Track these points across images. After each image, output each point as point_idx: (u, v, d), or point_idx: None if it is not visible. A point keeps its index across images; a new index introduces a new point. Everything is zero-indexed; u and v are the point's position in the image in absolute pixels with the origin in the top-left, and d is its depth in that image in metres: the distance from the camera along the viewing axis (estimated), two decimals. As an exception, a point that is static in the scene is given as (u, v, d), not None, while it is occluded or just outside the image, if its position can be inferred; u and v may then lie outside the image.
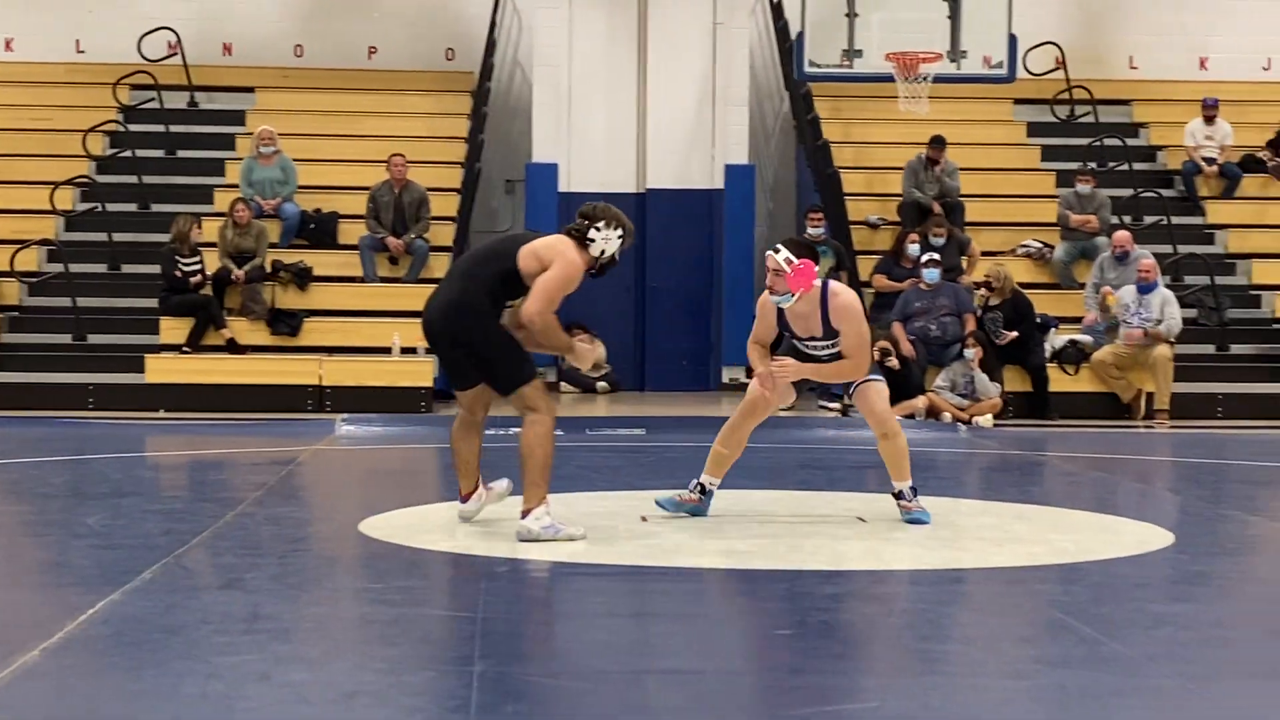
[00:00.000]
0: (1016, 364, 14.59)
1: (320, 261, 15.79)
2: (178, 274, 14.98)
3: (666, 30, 17.59)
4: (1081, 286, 15.59)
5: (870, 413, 7.68)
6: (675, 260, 17.31)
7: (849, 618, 5.77)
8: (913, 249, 15.17)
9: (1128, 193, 16.98)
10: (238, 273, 15.11)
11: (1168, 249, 16.11)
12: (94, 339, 15.11)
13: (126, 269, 16.00)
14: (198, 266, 15.04)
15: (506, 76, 18.89)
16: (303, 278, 15.51)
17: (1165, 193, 17.32)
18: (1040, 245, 16.28)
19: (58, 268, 15.56)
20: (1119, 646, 5.09)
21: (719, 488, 7.87)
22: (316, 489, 9.87)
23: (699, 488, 7.82)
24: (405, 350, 14.59)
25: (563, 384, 16.54)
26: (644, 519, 7.71)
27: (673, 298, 17.47)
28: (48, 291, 15.59)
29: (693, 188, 17.57)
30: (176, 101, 18.11)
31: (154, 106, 17.88)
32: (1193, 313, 15.44)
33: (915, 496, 7.69)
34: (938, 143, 16.36)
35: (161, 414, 14.18)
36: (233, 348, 14.87)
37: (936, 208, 15.96)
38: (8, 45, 18.52)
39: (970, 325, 14.52)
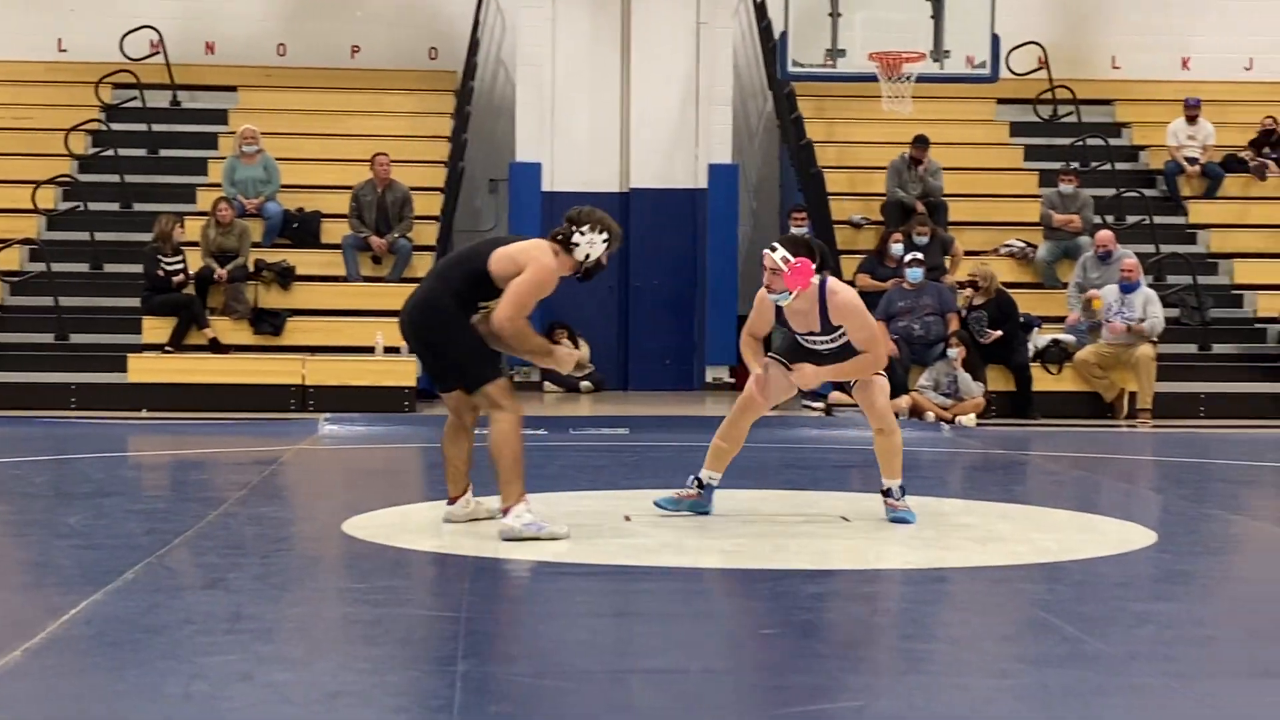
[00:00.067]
0: (1000, 363, 14.62)
1: (303, 261, 15.76)
2: (160, 273, 14.94)
3: (650, 30, 17.59)
4: (1064, 286, 15.62)
5: (870, 407, 7.67)
6: (659, 260, 17.32)
7: (833, 617, 5.77)
8: (896, 248, 15.18)
9: (1110, 192, 17.02)
10: (220, 272, 15.08)
11: (1150, 249, 16.15)
12: (76, 338, 15.07)
13: (109, 268, 15.96)
14: (180, 266, 15.01)
15: (490, 76, 18.87)
16: (285, 277, 15.48)
17: (1148, 192, 17.36)
18: (1023, 245, 16.31)
19: (40, 267, 15.51)
20: (1102, 645, 5.10)
21: (718, 485, 7.84)
22: (299, 489, 9.86)
23: (696, 483, 7.81)
24: (388, 350, 14.57)
25: (546, 383, 16.54)
26: (628, 518, 7.71)
27: (656, 297, 17.48)
28: (30, 291, 15.54)
29: (676, 187, 17.58)
30: (159, 100, 18.07)
31: (136, 105, 17.84)
32: (1175, 312, 15.48)
33: (903, 496, 7.70)
34: (921, 142, 16.38)
35: (144, 413, 14.14)
36: (215, 347, 14.84)
37: (920, 207, 15.98)
38: (-11, 44, 18.48)
39: (953, 325, 14.54)
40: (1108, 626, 5.41)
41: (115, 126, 17.51)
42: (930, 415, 13.93)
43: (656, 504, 7.83)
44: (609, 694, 4.53)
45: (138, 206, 16.57)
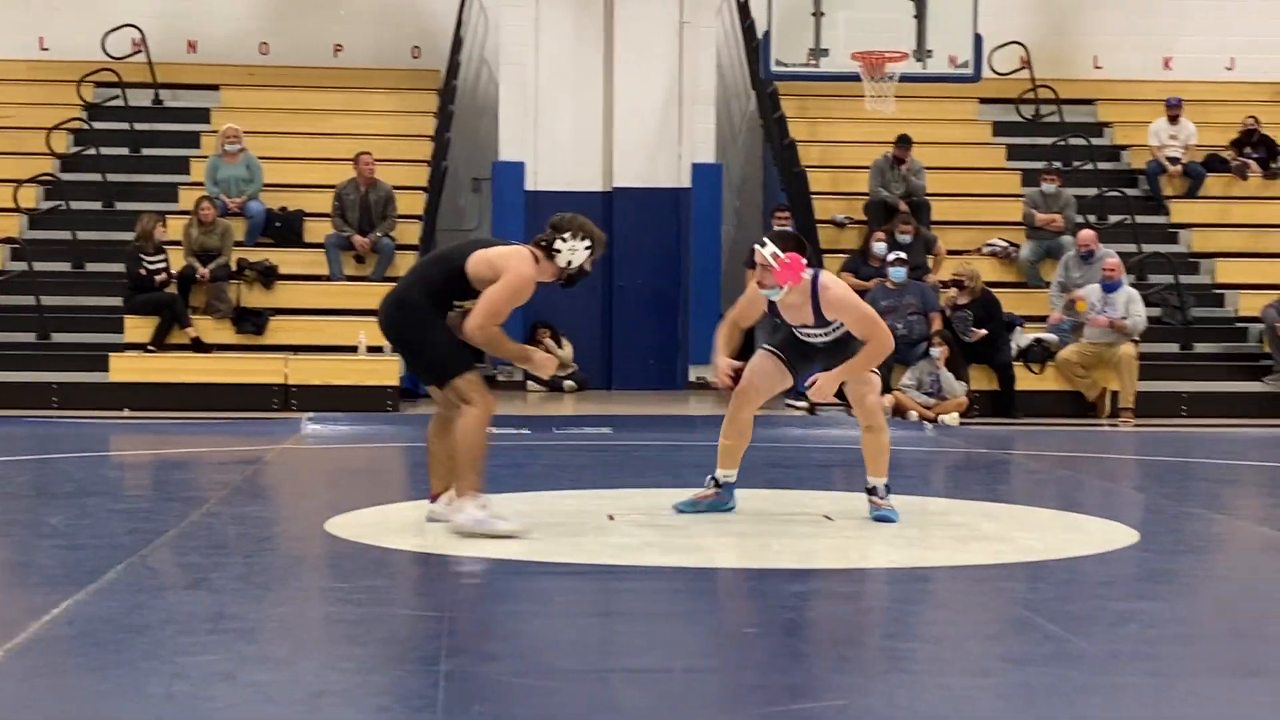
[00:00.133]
0: (984, 363, 14.64)
1: (286, 260, 15.74)
2: (142, 272, 14.91)
3: (633, 29, 17.59)
4: (1047, 285, 15.65)
5: (860, 403, 7.67)
6: (642, 259, 17.31)
7: (816, 616, 5.78)
8: (878, 247, 15.20)
9: (1092, 192, 17.06)
10: (203, 271, 15.05)
11: (1132, 248, 16.19)
12: (58, 338, 15.03)
13: (91, 267, 15.92)
14: (162, 265, 14.98)
15: (473, 75, 18.86)
16: (268, 276, 15.46)
17: (1130, 192, 17.40)
18: (1006, 244, 16.34)
19: (21, 266, 15.47)
20: (1084, 644, 5.11)
21: (724, 485, 7.85)
22: (282, 488, 9.84)
23: (713, 482, 7.83)
24: (371, 349, 14.55)
25: (529, 383, 16.53)
26: (611, 517, 7.71)
27: (640, 296, 17.48)
28: (11, 290, 15.49)
29: (660, 186, 17.58)
30: (141, 99, 18.02)
31: (118, 104, 17.80)
32: (1157, 311, 15.52)
33: (888, 495, 7.70)
34: (903, 142, 16.40)
35: (126, 413, 14.11)
36: (198, 346, 14.81)
37: (903, 206, 16.00)
38: (-29, 42, 18.42)
39: (936, 324, 14.57)
40: (1090, 625, 5.42)
41: (97, 125, 17.47)
42: (913, 414, 13.95)
43: (676, 508, 7.83)
44: (593, 693, 4.53)
45: (120, 205, 16.53)
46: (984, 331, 14.54)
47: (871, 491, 7.71)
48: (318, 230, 16.06)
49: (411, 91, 18.36)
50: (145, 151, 17.41)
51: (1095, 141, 18.06)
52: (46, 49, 18.42)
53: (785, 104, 17.47)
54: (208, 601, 5.66)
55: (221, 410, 13.96)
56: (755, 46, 16.97)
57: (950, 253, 15.86)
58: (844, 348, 7.55)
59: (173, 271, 15.02)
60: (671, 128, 17.62)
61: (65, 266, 15.94)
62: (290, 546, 7.28)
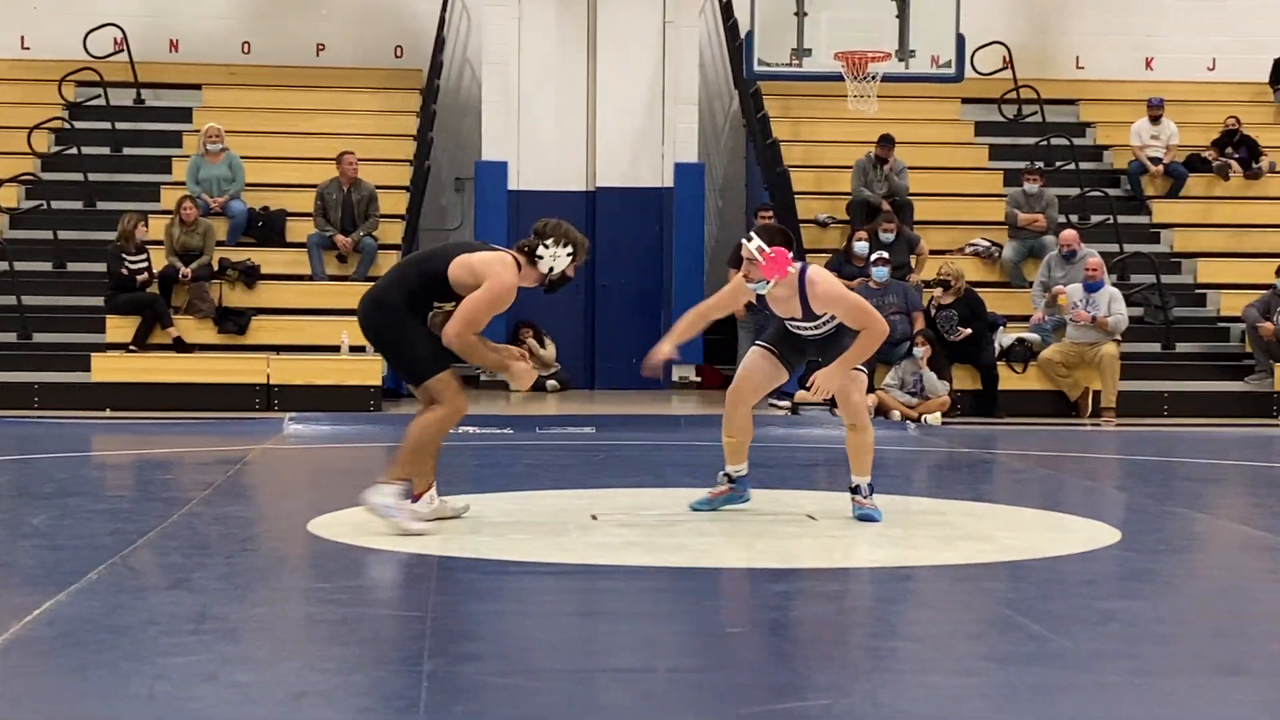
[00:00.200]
0: (968, 362, 14.66)
1: (268, 259, 15.71)
2: (124, 272, 14.87)
3: (616, 28, 17.59)
4: (1029, 285, 15.68)
5: (845, 402, 7.67)
6: (625, 259, 17.31)
7: (799, 615, 5.78)
8: (860, 247, 15.21)
9: (1075, 192, 17.10)
10: (185, 271, 15.02)
11: (1114, 248, 16.22)
12: (39, 338, 14.99)
13: (72, 267, 15.87)
14: (144, 264, 14.94)
15: (456, 74, 18.84)
16: (250, 276, 15.43)
17: (1112, 192, 17.45)
18: (988, 244, 16.37)
19: (2, 266, 15.40)
20: (1067, 643, 5.12)
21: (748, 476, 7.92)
22: (264, 488, 9.82)
23: (726, 478, 7.87)
24: (354, 349, 14.53)
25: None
26: (594, 517, 7.70)
27: (623, 296, 17.47)
28: (-8, 290, 15.45)
29: (643, 186, 17.58)
30: (123, 98, 17.98)
31: (100, 104, 17.75)
32: (1139, 311, 15.55)
33: (871, 494, 7.70)
34: (886, 141, 16.42)
35: (108, 413, 14.07)
36: (180, 346, 14.78)
37: (885, 206, 16.02)
38: (-49, 41, 18.36)
39: (919, 324, 14.58)
40: (1073, 624, 5.43)
41: (79, 124, 17.42)
42: (896, 414, 13.96)
43: (692, 507, 7.86)
44: (576, 693, 4.52)
45: (101, 205, 16.49)
46: (969, 331, 14.56)
47: (855, 490, 7.71)
48: (300, 230, 16.04)
49: (394, 91, 18.34)
50: (127, 151, 17.37)
51: (1077, 141, 18.10)
52: (28, 48, 18.37)
53: (768, 104, 17.49)
54: (189, 602, 5.64)
55: (203, 410, 13.93)
56: (738, 46, 16.98)
57: (933, 252, 15.88)
58: (837, 341, 7.55)
59: (154, 271, 14.98)
60: (654, 127, 17.62)
61: (46, 266, 15.90)
62: (272, 547, 7.26)
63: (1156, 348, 15.62)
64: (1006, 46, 18.58)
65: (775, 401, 14.29)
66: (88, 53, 17.99)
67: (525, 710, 4.31)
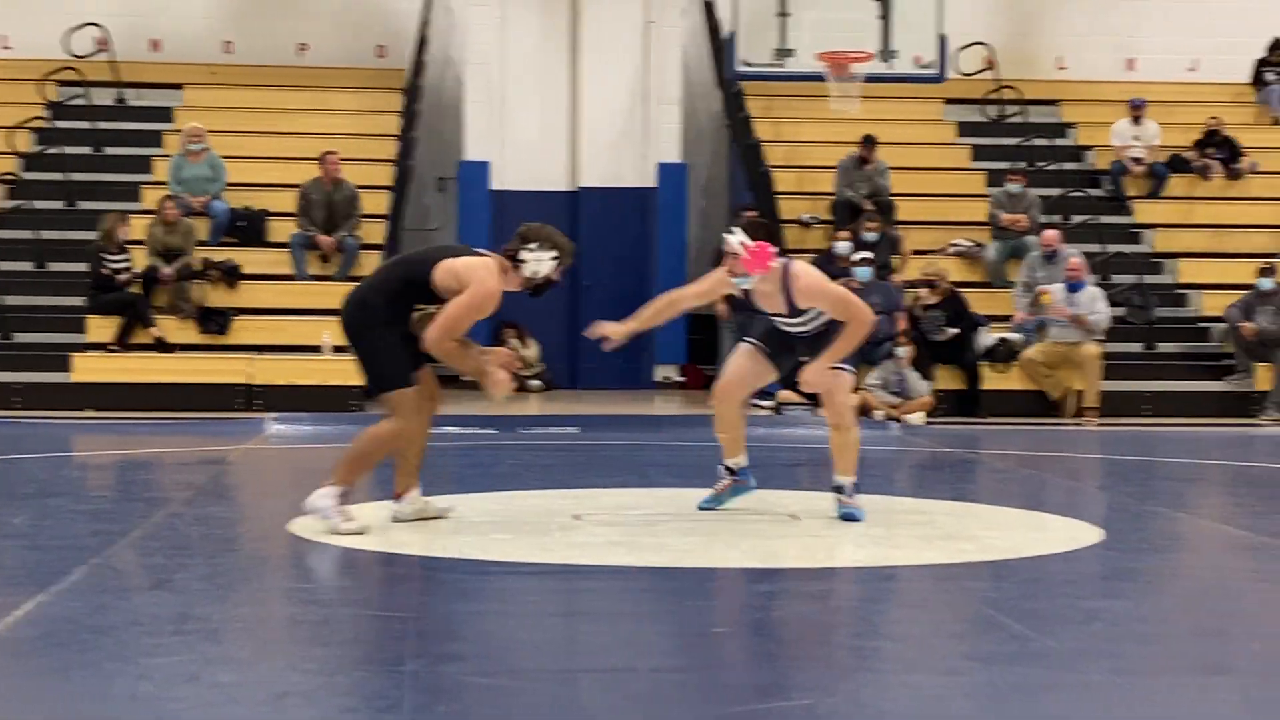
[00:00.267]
0: (951, 362, 14.69)
1: (249, 259, 15.68)
2: (105, 272, 14.83)
3: (599, 28, 17.59)
4: (1011, 285, 15.70)
5: (830, 401, 7.67)
6: (608, 258, 17.31)
7: (782, 615, 5.78)
8: (842, 247, 15.21)
9: (1057, 192, 17.13)
10: (166, 271, 14.98)
11: (1096, 248, 16.26)
12: (20, 338, 14.94)
13: (53, 267, 15.82)
14: (125, 264, 14.91)
15: (438, 74, 18.82)
16: (232, 276, 15.40)
17: (1093, 192, 17.49)
18: (971, 244, 16.39)
19: (-17, 265, 15.38)
20: (1049, 642, 5.12)
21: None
22: (246, 489, 9.80)
23: (727, 470, 7.89)
24: (336, 349, 14.49)
25: (495, 382, 16.48)
26: (577, 517, 7.70)
27: (606, 296, 17.45)
28: (-27, 290, 15.41)
29: (625, 186, 17.59)
30: (104, 98, 17.93)
31: (81, 103, 17.70)
32: (1120, 311, 15.59)
33: (855, 494, 7.71)
34: (869, 142, 16.44)
35: (89, 413, 14.03)
36: (161, 346, 14.74)
37: (868, 206, 16.04)
38: (-68, 41, 18.30)
39: (902, 323, 14.60)
40: (1055, 624, 5.44)
41: (60, 124, 17.37)
42: (878, 414, 13.98)
43: (700, 507, 7.88)
44: (559, 693, 4.52)
45: (82, 205, 16.44)
46: (956, 331, 14.59)
47: (839, 490, 7.71)
48: (282, 230, 16.01)
49: (376, 91, 18.31)
50: (108, 150, 17.32)
51: (1059, 142, 18.15)
52: (9, 47, 18.32)
53: (751, 104, 17.50)
54: (172, 602, 5.63)
55: (185, 410, 13.89)
56: (721, 46, 17.00)
57: (915, 253, 15.90)
58: (828, 340, 7.54)
59: (136, 271, 14.94)
60: (637, 127, 17.62)
61: (27, 266, 15.84)
62: (254, 547, 7.25)
63: (1138, 348, 15.66)
64: (989, 47, 18.61)
65: (758, 402, 14.28)
66: (69, 52, 17.95)
67: (508, 710, 4.30)
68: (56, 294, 15.47)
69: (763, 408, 14.25)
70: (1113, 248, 16.51)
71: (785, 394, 13.80)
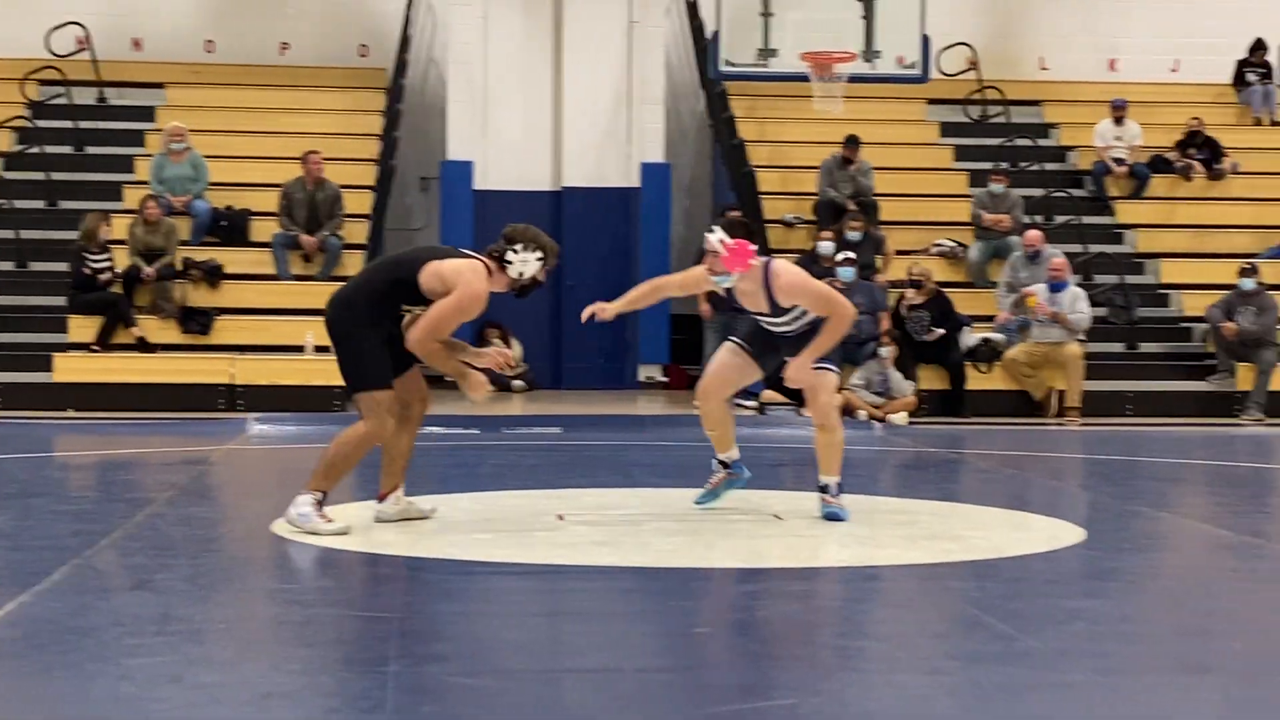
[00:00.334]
0: (936, 362, 14.71)
1: (232, 259, 15.64)
2: (86, 271, 14.79)
3: (582, 28, 17.58)
4: (994, 285, 15.73)
5: (814, 401, 7.67)
6: (591, 258, 17.30)
7: (766, 615, 5.78)
8: (825, 247, 15.22)
9: (1039, 192, 17.16)
10: (148, 270, 14.94)
11: (1078, 248, 16.29)
12: (1, 338, 14.88)
13: (34, 266, 15.78)
14: (107, 264, 14.86)
15: (421, 73, 18.80)
16: (214, 275, 15.36)
17: (1076, 192, 17.52)
18: (954, 244, 16.42)
19: (-36, 265, 15.33)
20: (1032, 642, 5.13)
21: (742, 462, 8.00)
22: (229, 489, 9.78)
23: (720, 465, 7.91)
24: (318, 349, 14.47)
25: (478, 382, 16.46)
26: (560, 518, 7.69)
27: (589, 296, 17.26)
28: (-46, 289, 15.35)
29: (609, 186, 17.58)
30: (85, 97, 17.87)
31: (62, 102, 17.64)
32: (1103, 311, 15.62)
33: (839, 494, 7.71)
34: (852, 142, 16.45)
35: (70, 413, 13.99)
36: (143, 346, 14.70)
37: (851, 206, 16.05)
38: (-88, 39, 18.22)
39: (885, 323, 14.61)
40: (1039, 623, 5.44)
41: (41, 123, 17.31)
42: (862, 414, 13.99)
43: (696, 503, 7.92)
44: (542, 694, 4.51)
45: (64, 204, 16.39)
46: (942, 331, 14.61)
47: (823, 490, 7.71)
48: (264, 229, 15.97)
49: (359, 90, 18.29)
50: (89, 150, 17.27)
51: (1041, 142, 18.18)
52: (-11, 46, 18.26)
53: (734, 104, 17.50)
54: (154, 603, 5.61)
55: (167, 410, 13.86)
56: (704, 46, 16.99)
57: (899, 253, 15.92)
58: (811, 339, 7.54)
59: (117, 271, 14.90)
60: (620, 127, 17.62)
61: (9, 266, 15.79)
62: (237, 547, 7.23)
63: (1120, 348, 15.69)
64: (971, 48, 18.64)
65: (742, 402, 14.29)
66: (50, 51, 17.88)
67: (492, 711, 4.30)
68: (38, 294, 15.43)
69: (746, 408, 14.26)
70: (1095, 248, 16.54)
71: (769, 394, 13.80)
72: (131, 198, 16.03)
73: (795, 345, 7.61)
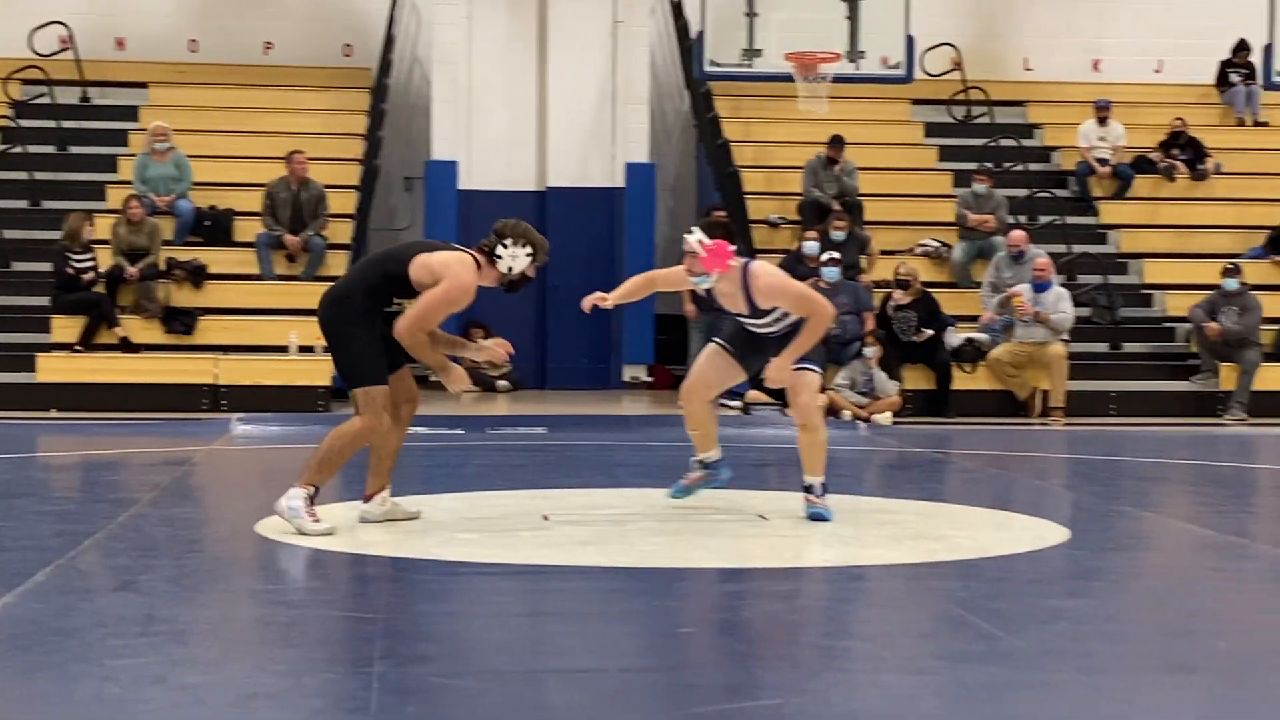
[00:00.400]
0: (922, 362, 14.73)
1: (215, 259, 15.62)
2: (70, 271, 14.76)
3: (567, 28, 17.58)
4: (978, 285, 15.75)
5: (795, 402, 7.67)
6: (576, 259, 17.29)
7: (751, 615, 5.78)
8: (810, 247, 15.23)
9: (1023, 193, 17.19)
10: (131, 270, 14.91)
11: (1062, 248, 16.32)
12: (-16, 338, 14.86)
13: (17, 266, 15.75)
14: (90, 264, 14.83)
15: (405, 73, 18.78)
16: (197, 275, 15.34)
17: (1059, 193, 17.56)
18: (938, 244, 16.44)
19: (-54, 265, 15.28)
20: (1016, 641, 5.14)
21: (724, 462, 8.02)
22: (212, 489, 9.76)
23: (699, 464, 7.92)
24: (302, 349, 14.47)
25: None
26: (545, 518, 7.69)
27: (573, 296, 17.29)
28: (-64, 289, 15.31)
29: (593, 186, 17.58)
30: (69, 97, 17.84)
31: (45, 102, 17.61)
32: (1086, 311, 15.65)
33: (824, 494, 7.71)
34: (837, 142, 16.47)
35: (53, 414, 13.96)
36: (126, 346, 14.67)
37: (836, 206, 16.06)
38: (-106, 38, 18.16)
39: (869, 324, 14.63)
40: (1023, 623, 5.45)
41: (24, 123, 17.27)
42: (846, 414, 14.00)
43: (670, 495, 7.94)
44: (526, 694, 4.51)
45: (47, 204, 16.35)
46: (930, 332, 14.63)
47: (808, 490, 7.72)
48: (248, 229, 15.95)
49: (343, 90, 18.27)
50: (73, 149, 17.23)
51: (1025, 143, 18.21)
52: (-28, 46, 18.21)
53: (719, 104, 17.51)
54: (137, 604, 5.60)
55: (150, 411, 13.83)
56: (689, 47, 17.00)
57: (883, 253, 15.94)
58: (794, 334, 7.55)
59: (101, 271, 14.87)
60: (605, 127, 17.61)
61: (-9, 265, 15.76)
62: (221, 548, 7.22)
63: (1104, 348, 15.73)
64: (956, 48, 18.67)
65: (726, 402, 14.29)
66: (33, 51, 17.84)
67: (476, 711, 4.30)
68: (21, 294, 15.39)
69: (731, 408, 14.26)
70: (1078, 248, 16.57)
71: (753, 394, 13.81)
72: (115, 197, 16.00)
73: (779, 345, 7.62)
